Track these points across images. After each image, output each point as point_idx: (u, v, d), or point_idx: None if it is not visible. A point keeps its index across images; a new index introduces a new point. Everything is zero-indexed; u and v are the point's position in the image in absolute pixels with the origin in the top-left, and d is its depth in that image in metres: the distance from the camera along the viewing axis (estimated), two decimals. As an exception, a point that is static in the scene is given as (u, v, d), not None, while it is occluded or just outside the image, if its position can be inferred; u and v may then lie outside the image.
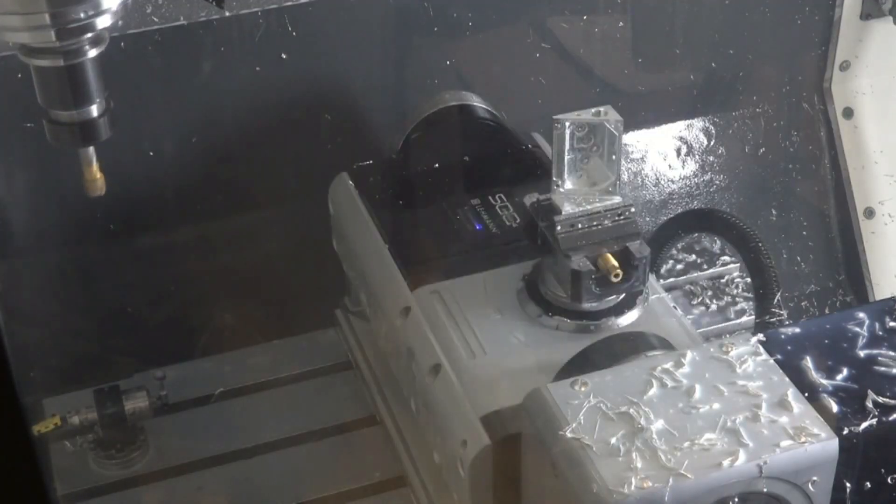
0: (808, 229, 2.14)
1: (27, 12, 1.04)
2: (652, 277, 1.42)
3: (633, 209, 1.32)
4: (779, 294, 1.38)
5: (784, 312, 1.38)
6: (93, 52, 1.08)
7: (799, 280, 2.13)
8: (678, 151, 2.07)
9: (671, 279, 1.69)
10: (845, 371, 1.15)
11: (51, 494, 0.79)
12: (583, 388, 1.14)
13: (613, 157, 1.31)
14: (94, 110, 1.10)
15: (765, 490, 1.07)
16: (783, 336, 1.19)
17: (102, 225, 1.78)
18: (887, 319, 1.21)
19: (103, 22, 1.07)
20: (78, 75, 1.08)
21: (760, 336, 1.19)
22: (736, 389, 1.13)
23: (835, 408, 1.11)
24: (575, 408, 1.12)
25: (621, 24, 1.92)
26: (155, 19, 1.66)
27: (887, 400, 1.12)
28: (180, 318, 1.84)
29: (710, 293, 1.70)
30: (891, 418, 1.10)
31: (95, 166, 1.14)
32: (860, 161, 2.10)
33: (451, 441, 1.29)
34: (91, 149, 1.13)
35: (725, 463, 1.05)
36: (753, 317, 1.49)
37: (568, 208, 1.30)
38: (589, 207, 1.31)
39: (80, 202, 1.75)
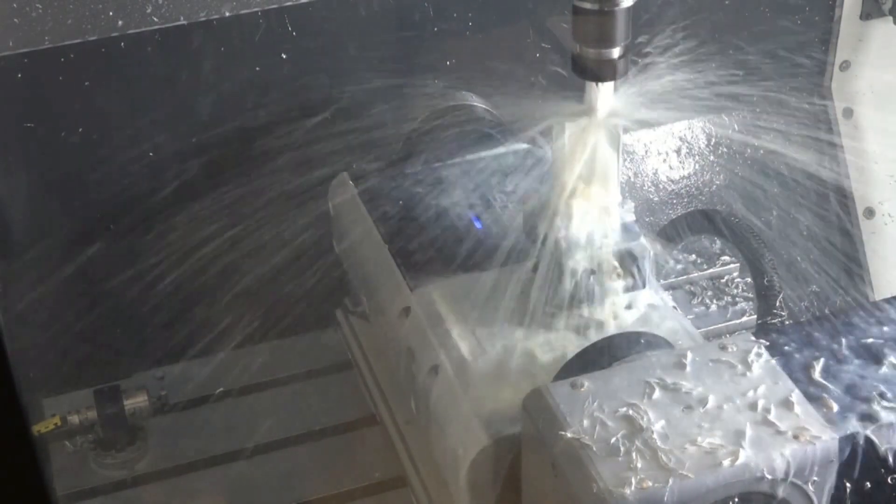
0: (809, 229, 2.14)
1: None
2: (652, 277, 1.42)
3: (633, 209, 1.32)
4: (781, 295, 1.38)
5: (785, 313, 1.38)
6: (626, 3, 1.23)
7: (799, 280, 2.13)
8: (678, 151, 2.07)
9: (671, 279, 1.69)
10: (846, 371, 1.15)
11: (51, 494, 0.79)
12: (583, 388, 1.14)
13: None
14: (616, 52, 1.24)
15: (765, 490, 1.07)
16: (784, 336, 1.19)
17: (102, 225, 1.78)
18: (890, 319, 1.21)
19: None
20: (609, 20, 1.23)
21: (761, 336, 1.19)
22: (736, 389, 1.13)
23: (835, 408, 1.11)
24: (575, 408, 1.12)
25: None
26: (155, 19, 1.66)
27: (887, 400, 1.12)
28: (180, 318, 1.84)
29: (710, 293, 1.69)
30: (891, 419, 1.10)
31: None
32: (860, 161, 2.09)
33: (451, 441, 1.29)
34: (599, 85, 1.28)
35: (725, 463, 1.05)
36: (754, 317, 1.49)
37: (568, 208, 1.30)
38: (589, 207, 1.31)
39: (81, 202, 1.76)
